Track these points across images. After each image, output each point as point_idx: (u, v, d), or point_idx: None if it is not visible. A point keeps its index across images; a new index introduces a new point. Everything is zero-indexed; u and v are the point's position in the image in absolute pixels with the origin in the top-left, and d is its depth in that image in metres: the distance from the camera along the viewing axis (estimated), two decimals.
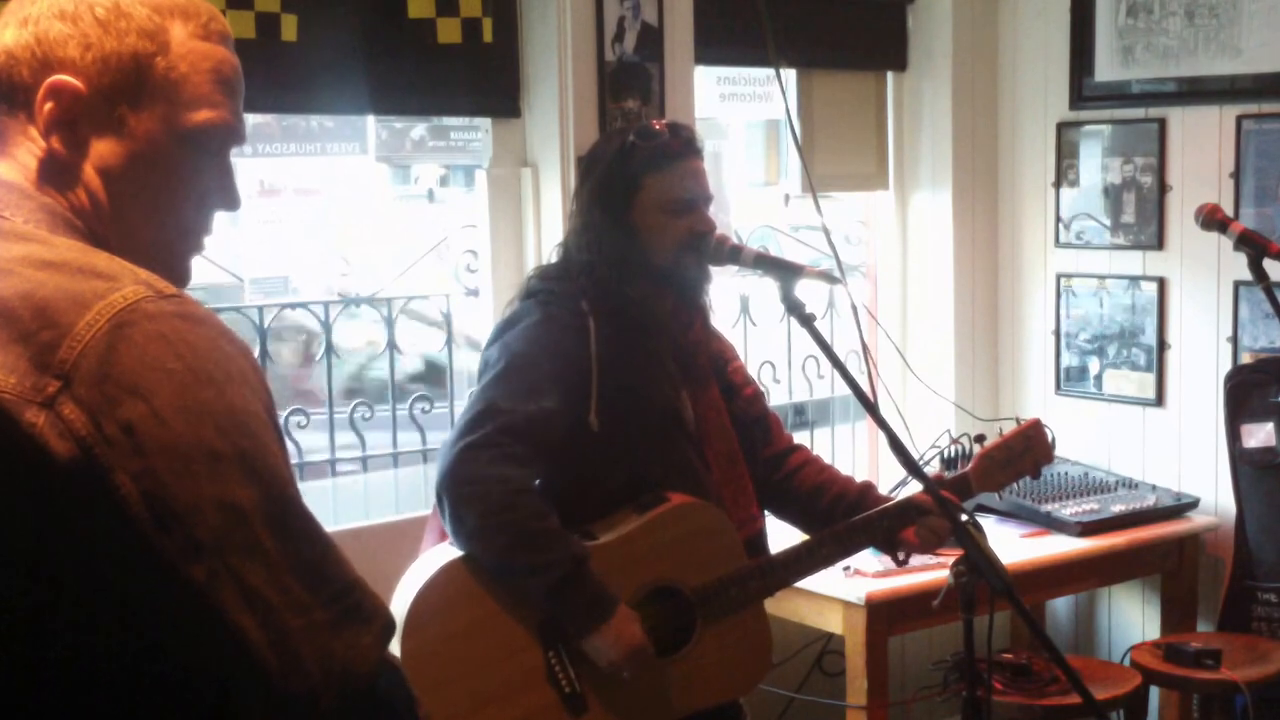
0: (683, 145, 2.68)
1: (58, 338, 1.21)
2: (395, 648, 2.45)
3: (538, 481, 2.56)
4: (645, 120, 3.47)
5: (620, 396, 2.62)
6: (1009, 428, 2.97)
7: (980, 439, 2.99)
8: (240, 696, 1.23)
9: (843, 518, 2.78)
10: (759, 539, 2.79)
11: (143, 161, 1.36)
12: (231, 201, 1.44)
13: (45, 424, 1.19)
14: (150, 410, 1.19)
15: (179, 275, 1.41)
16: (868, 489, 2.90)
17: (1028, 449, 2.88)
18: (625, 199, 2.65)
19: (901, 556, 2.87)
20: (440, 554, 2.56)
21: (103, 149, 1.35)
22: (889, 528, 2.77)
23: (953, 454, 4.00)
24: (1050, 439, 2.93)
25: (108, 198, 1.36)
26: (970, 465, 2.86)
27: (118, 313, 1.21)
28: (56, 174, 1.35)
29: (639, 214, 2.65)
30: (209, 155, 1.40)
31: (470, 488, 2.49)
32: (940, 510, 2.53)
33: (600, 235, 2.66)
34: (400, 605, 2.50)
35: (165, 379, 1.20)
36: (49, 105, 1.33)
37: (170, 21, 1.36)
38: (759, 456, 2.85)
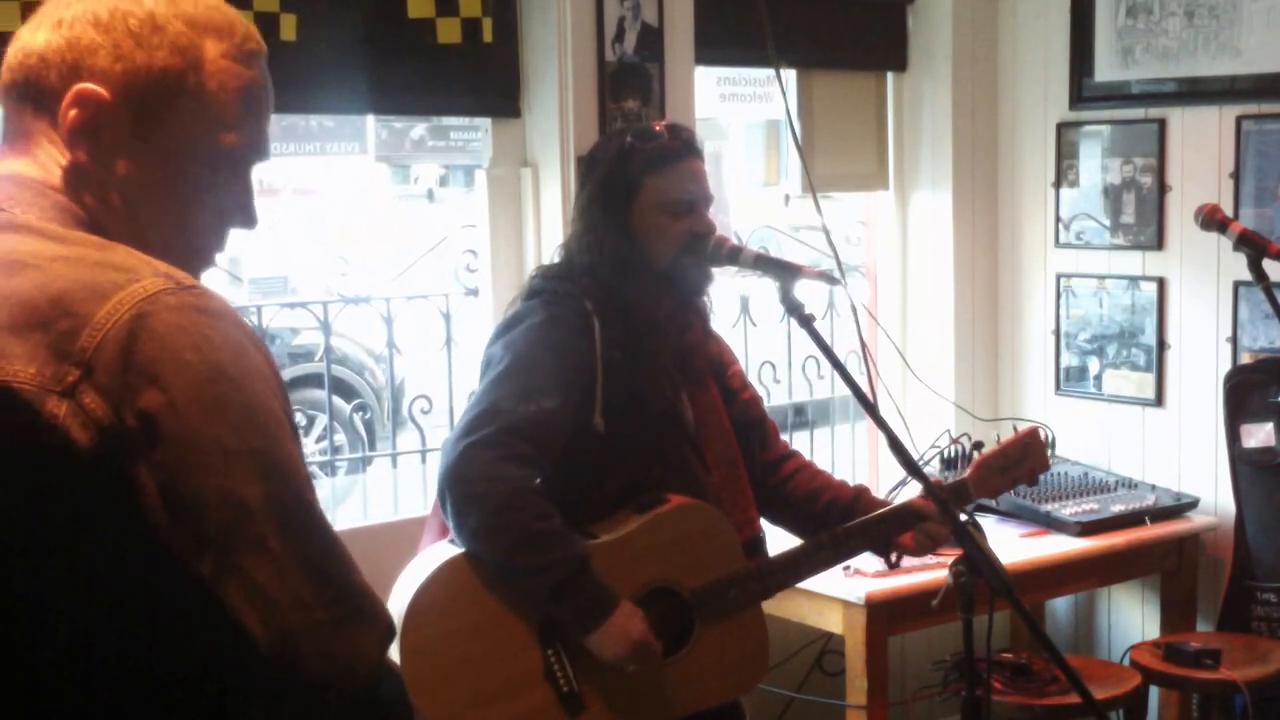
0: (682, 146, 2.68)
1: (77, 326, 1.21)
2: (394, 645, 2.46)
3: (538, 480, 2.56)
4: (645, 121, 3.47)
5: (622, 398, 2.62)
6: (1008, 427, 2.98)
7: (979, 446, 3.01)
8: (241, 693, 1.23)
9: (836, 523, 2.79)
10: (758, 541, 2.79)
11: (163, 175, 1.36)
12: (249, 220, 1.44)
13: (67, 414, 1.19)
14: (168, 401, 1.20)
15: None
16: (861, 494, 2.90)
17: (1025, 457, 2.89)
18: (625, 201, 2.65)
19: (894, 559, 2.88)
20: (439, 552, 2.56)
21: (124, 159, 1.35)
22: (885, 533, 2.78)
23: (952, 454, 4.00)
24: (1049, 439, 2.94)
25: (125, 206, 1.36)
26: (969, 472, 2.88)
27: (138, 303, 1.22)
28: (76, 179, 1.35)
29: (639, 215, 2.65)
30: (230, 175, 1.40)
31: (473, 487, 2.49)
32: (940, 509, 2.53)
33: (601, 237, 2.66)
34: (399, 602, 2.50)
35: (183, 371, 1.21)
36: (74, 113, 1.33)
37: (204, 39, 1.36)
38: (755, 461, 2.86)
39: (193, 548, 1.20)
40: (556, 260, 2.78)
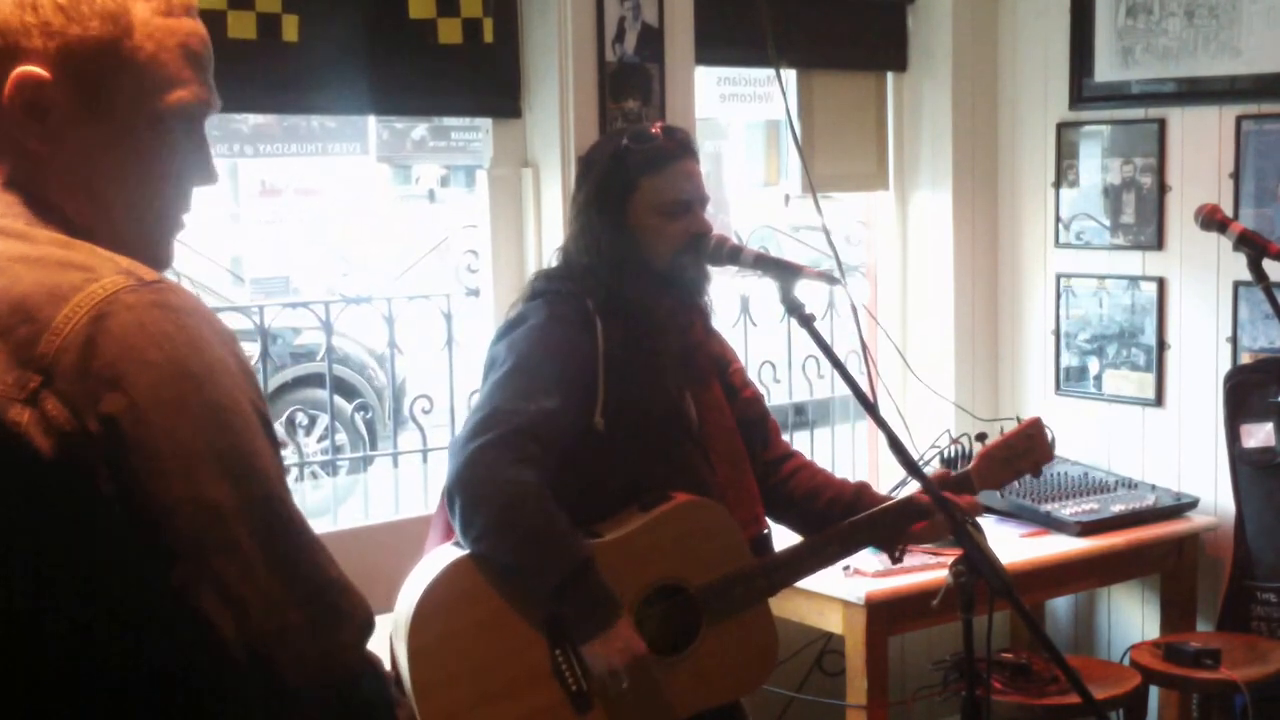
0: (677, 147, 2.69)
1: (37, 332, 1.20)
2: (401, 645, 2.47)
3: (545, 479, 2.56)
4: (646, 121, 3.48)
5: (625, 397, 2.62)
6: (1009, 427, 2.98)
7: (982, 437, 3.00)
8: (218, 694, 1.23)
9: (838, 520, 2.79)
10: (764, 539, 2.79)
11: (118, 146, 1.34)
12: (209, 175, 1.41)
13: (29, 421, 1.18)
14: (130, 404, 1.18)
15: (162, 257, 1.39)
16: (862, 490, 2.90)
17: (1029, 448, 2.89)
18: (621, 202, 2.66)
19: (898, 554, 2.88)
20: (446, 552, 2.56)
21: (77, 138, 1.33)
22: (892, 526, 2.78)
23: (953, 454, 4.01)
24: (1050, 438, 2.94)
25: (85, 185, 1.33)
26: (972, 463, 2.87)
27: (97, 304, 1.20)
28: (32, 167, 1.32)
29: (635, 216, 2.66)
30: (184, 133, 1.37)
31: (482, 489, 2.49)
32: (939, 509, 2.53)
33: (599, 238, 2.67)
34: (406, 603, 2.50)
35: (144, 371, 1.19)
36: (17, 99, 1.31)
37: (132, 1, 1.33)
38: (758, 459, 2.86)
39: (164, 552, 1.19)
40: (555, 263, 2.79)
